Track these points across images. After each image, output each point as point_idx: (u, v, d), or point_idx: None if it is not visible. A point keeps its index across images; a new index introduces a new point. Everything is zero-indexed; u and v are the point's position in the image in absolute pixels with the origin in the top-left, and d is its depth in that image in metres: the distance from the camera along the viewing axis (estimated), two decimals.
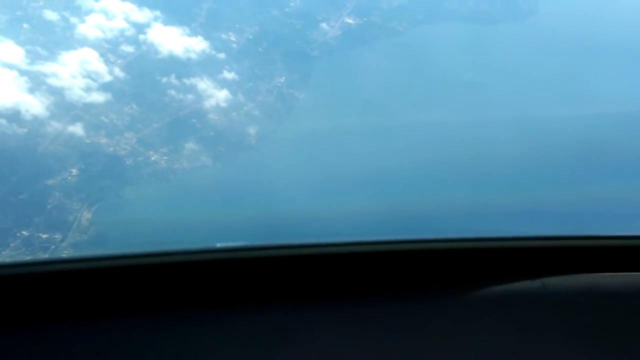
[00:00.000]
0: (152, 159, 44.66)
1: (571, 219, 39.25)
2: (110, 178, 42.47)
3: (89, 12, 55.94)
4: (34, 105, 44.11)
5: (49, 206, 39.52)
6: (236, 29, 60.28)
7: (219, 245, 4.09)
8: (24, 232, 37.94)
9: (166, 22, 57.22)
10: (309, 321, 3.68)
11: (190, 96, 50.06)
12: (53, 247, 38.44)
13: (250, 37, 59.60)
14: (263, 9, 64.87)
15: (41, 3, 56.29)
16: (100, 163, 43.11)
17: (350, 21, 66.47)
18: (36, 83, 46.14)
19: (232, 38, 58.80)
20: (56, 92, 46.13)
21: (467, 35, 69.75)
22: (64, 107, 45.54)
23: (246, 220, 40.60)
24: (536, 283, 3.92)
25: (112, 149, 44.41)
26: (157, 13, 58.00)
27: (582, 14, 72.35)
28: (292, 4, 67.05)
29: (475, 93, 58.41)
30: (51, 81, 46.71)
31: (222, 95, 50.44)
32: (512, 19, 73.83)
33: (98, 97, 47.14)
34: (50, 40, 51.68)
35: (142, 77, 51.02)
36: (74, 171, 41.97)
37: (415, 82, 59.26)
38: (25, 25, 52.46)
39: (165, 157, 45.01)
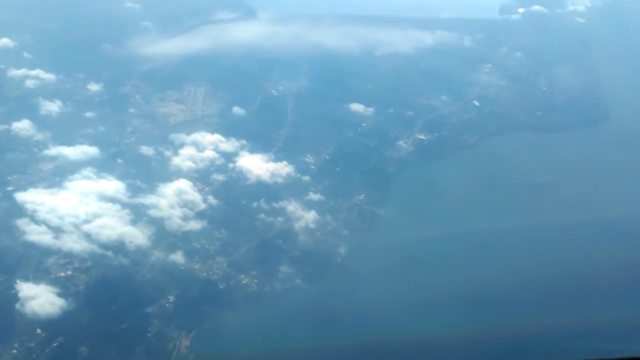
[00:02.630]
0: (244, 282, 45.32)
1: None
2: (205, 303, 43.03)
3: (181, 145, 59.67)
4: (137, 236, 46.24)
5: (149, 334, 40.09)
6: (313, 150, 62.71)
7: None
8: None
9: (252, 150, 60.23)
10: None
11: (280, 219, 51.45)
12: None
13: (327, 157, 61.67)
14: (337, 130, 67.48)
15: (133, 139, 60.44)
16: (195, 289, 43.93)
17: (422, 137, 68.22)
18: (138, 215, 48.74)
19: (310, 160, 60.97)
20: (156, 223, 48.44)
21: (537, 143, 70.39)
22: (163, 236, 47.51)
23: (338, 347, 40.46)
24: None
25: (205, 274, 45.36)
26: (243, 142, 61.22)
27: None
28: (364, 124, 69.57)
29: (550, 195, 58.04)
30: (152, 212, 49.27)
31: (310, 217, 51.57)
32: (583, 125, 74.40)
33: (195, 225, 49.04)
34: (147, 173, 54.88)
35: (232, 202, 52.96)
36: (171, 298, 42.80)
37: (492, 190, 59.28)
38: (120, 160, 56.02)
39: (255, 280, 45.56)
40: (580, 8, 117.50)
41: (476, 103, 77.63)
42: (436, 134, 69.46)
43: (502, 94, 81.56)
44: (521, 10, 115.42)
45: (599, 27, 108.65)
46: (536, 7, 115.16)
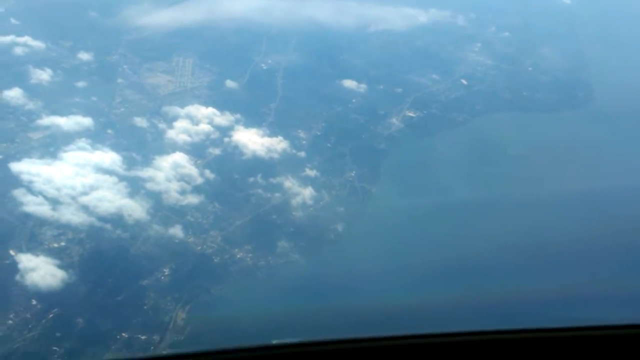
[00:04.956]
0: (238, 256, 45.50)
1: None
2: (200, 277, 43.18)
3: (175, 117, 59.19)
4: (135, 210, 46.10)
5: (145, 307, 40.19)
6: (304, 126, 62.67)
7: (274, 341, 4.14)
8: (124, 334, 38.48)
9: (247, 125, 60.06)
10: None
11: (277, 194, 51.57)
12: (152, 348, 39.03)
13: (318, 133, 61.71)
14: (327, 106, 67.31)
15: (123, 110, 59.75)
16: (190, 262, 44.05)
17: (411, 114, 68.67)
18: (135, 188, 48.42)
19: (302, 135, 61.03)
20: (154, 196, 48.21)
21: (525, 123, 71.40)
22: (160, 209, 47.40)
23: (331, 315, 41.05)
24: None
25: (199, 247, 45.50)
26: (238, 116, 60.99)
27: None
28: (354, 100, 69.69)
29: (532, 170, 59.49)
30: (149, 185, 49.08)
31: (307, 193, 51.80)
32: (570, 107, 75.59)
33: (192, 199, 48.99)
34: (143, 146, 54.46)
35: (228, 177, 52.90)
36: (166, 271, 42.87)
37: (478, 166, 60.25)
38: (114, 132, 55.48)
39: (250, 254, 45.78)
40: None
41: (464, 82, 78.16)
42: (425, 112, 69.86)
43: (489, 73, 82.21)
44: None
45: (584, 8, 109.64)
46: None
